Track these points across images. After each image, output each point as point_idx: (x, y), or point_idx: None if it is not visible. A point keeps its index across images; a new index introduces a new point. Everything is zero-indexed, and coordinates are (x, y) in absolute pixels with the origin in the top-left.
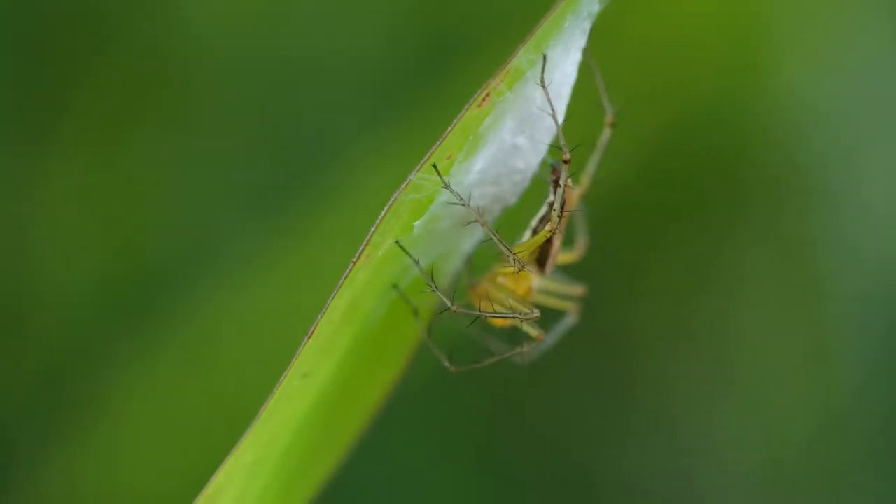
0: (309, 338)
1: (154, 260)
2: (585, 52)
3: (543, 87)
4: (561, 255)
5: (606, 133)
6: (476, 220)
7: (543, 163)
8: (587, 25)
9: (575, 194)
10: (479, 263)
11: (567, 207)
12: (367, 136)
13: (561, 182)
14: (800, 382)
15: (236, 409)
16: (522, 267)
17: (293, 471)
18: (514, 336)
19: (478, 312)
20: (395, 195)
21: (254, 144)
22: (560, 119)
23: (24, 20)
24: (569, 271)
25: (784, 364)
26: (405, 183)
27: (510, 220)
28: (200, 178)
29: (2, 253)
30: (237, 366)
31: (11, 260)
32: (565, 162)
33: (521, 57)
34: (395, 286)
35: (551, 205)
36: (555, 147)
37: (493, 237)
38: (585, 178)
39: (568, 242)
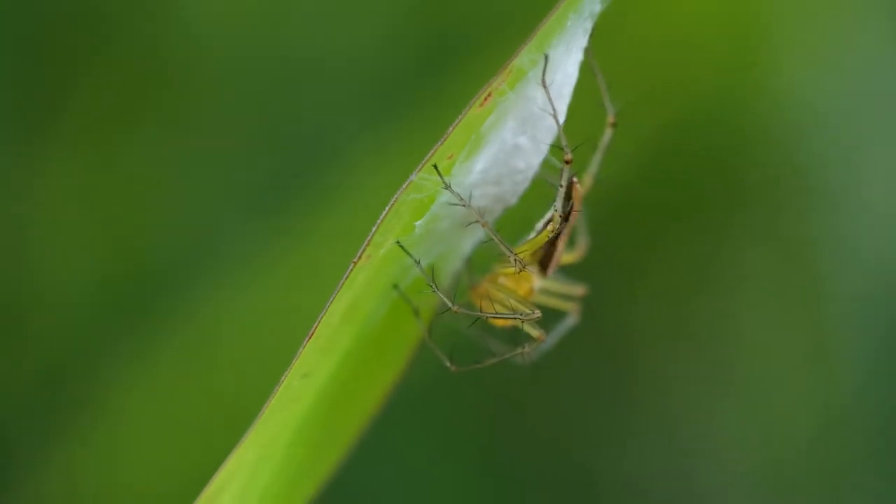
0: (309, 338)
1: (154, 260)
2: (587, 51)
3: (545, 87)
4: (563, 256)
5: (608, 133)
6: (477, 221)
7: (548, 164)
8: (589, 25)
9: (580, 194)
10: (479, 264)
11: (576, 208)
12: (367, 136)
13: (563, 182)
14: (800, 382)
15: (236, 408)
16: (524, 267)
17: (294, 470)
18: (515, 336)
19: (479, 313)
20: (396, 195)
21: (254, 144)
22: (561, 119)
23: (24, 20)
24: (569, 271)
25: (784, 364)
26: (406, 183)
27: (511, 221)
28: (200, 178)
29: (2, 253)
30: (237, 366)
31: (11, 260)
32: (567, 162)
33: (523, 57)
34: (395, 286)
35: (563, 209)
36: (556, 147)
37: (493, 238)
38: (588, 179)
39: (568, 243)
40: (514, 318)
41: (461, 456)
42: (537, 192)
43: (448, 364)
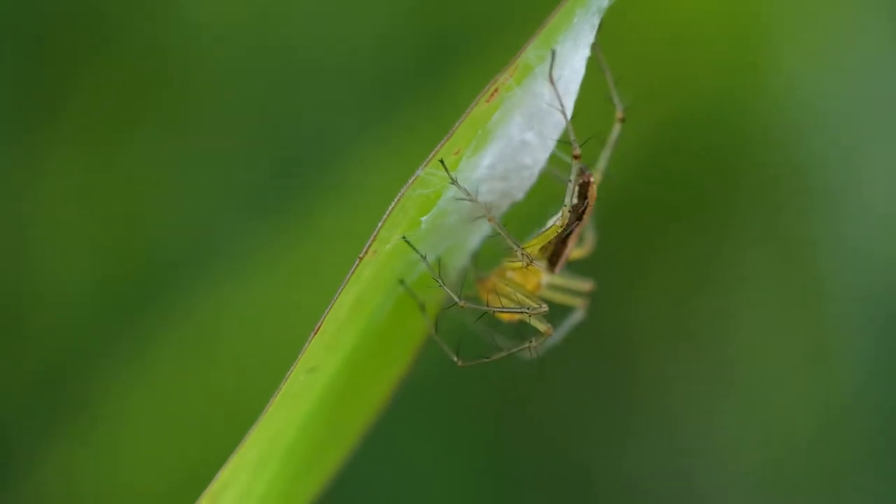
0: (315, 333)
1: (154, 260)
2: (594, 47)
3: (553, 82)
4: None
5: (616, 129)
6: (484, 216)
7: (559, 160)
8: (596, 21)
9: (594, 193)
10: (486, 259)
11: (591, 204)
12: (367, 136)
13: (572, 178)
14: (800, 382)
15: (236, 407)
16: (531, 262)
17: (298, 467)
18: (522, 332)
19: (486, 307)
20: (402, 190)
21: (254, 144)
22: (569, 115)
23: (24, 20)
24: (569, 270)
25: (784, 364)
26: (412, 178)
27: (517, 216)
28: (200, 178)
29: (2, 253)
30: (237, 365)
31: (11, 260)
32: (575, 157)
33: (530, 52)
34: (401, 282)
35: (574, 207)
36: (563, 142)
37: (500, 232)
38: (597, 175)
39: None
40: (522, 312)
41: (465, 453)
42: (544, 187)
43: (455, 359)
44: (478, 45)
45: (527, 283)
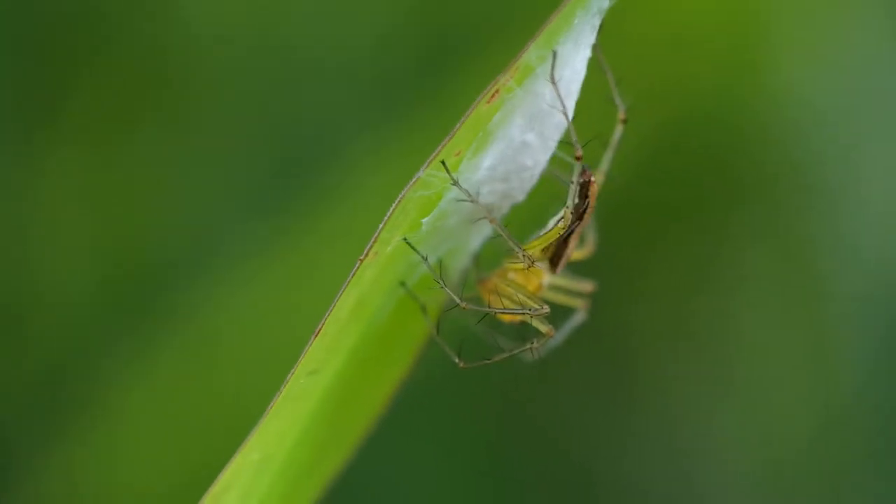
0: (316, 335)
1: (154, 260)
2: (595, 48)
3: (554, 83)
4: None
5: (619, 130)
6: (485, 217)
7: (559, 161)
8: (597, 21)
9: (595, 193)
10: (487, 260)
11: (592, 204)
12: (367, 136)
13: (574, 179)
14: (800, 382)
15: (236, 408)
16: (532, 263)
17: (300, 469)
18: (523, 333)
19: (487, 308)
20: (403, 192)
21: (254, 144)
22: (570, 116)
23: (24, 20)
24: (570, 271)
25: (784, 364)
26: (413, 180)
27: (519, 217)
28: (200, 178)
29: (2, 253)
30: (237, 366)
31: (11, 260)
32: (577, 158)
33: (531, 53)
34: (402, 283)
35: (576, 207)
36: (564, 143)
37: (502, 234)
38: (599, 176)
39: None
40: (523, 313)
41: (467, 454)
42: (545, 188)
43: (456, 360)
44: (478, 45)
45: (528, 284)
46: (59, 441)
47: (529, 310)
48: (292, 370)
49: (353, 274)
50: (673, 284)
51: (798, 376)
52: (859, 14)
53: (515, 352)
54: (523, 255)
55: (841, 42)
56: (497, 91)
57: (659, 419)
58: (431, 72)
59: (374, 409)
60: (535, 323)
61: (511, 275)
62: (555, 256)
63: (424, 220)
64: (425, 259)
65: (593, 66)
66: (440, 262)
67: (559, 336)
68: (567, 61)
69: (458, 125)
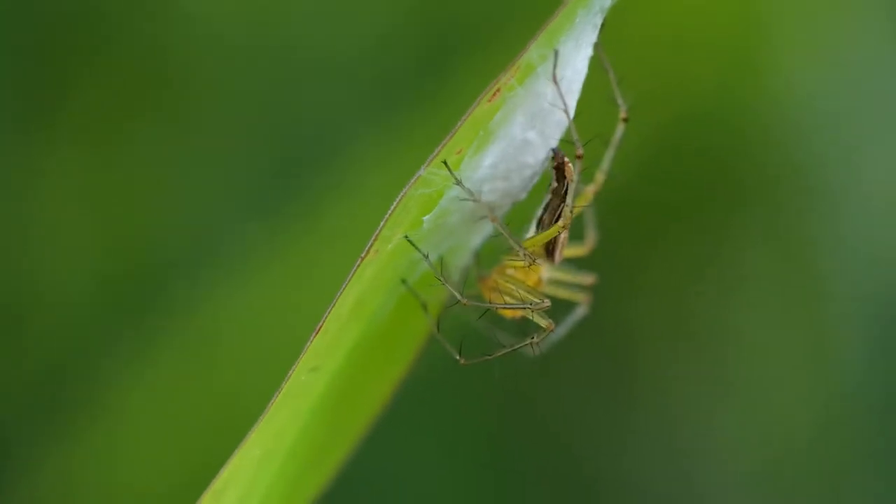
0: (317, 332)
1: (154, 259)
2: (597, 47)
3: (556, 82)
4: (572, 249)
5: (620, 129)
6: (486, 216)
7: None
8: (598, 20)
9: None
10: (487, 257)
11: (570, 181)
12: (367, 136)
13: (575, 178)
14: (800, 382)
15: (236, 408)
16: (533, 261)
17: (301, 466)
18: (524, 329)
19: (488, 304)
20: (404, 190)
21: (254, 144)
22: (571, 115)
23: (24, 20)
24: (570, 266)
25: (784, 364)
26: (415, 178)
27: (520, 216)
28: (200, 178)
29: (2, 253)
30: (237, 366)
31: (11, 260)
32: (578, 157)
33: (533, 52)
34: (403, 281)
35: (555, 191)
36: (566, 142)
37: (503, 232)
38: (599, 175)
39: (578, 237)
40: (524, 308)
41: (468, 449)
42: (546, 187)
43: (457, 357)
44: (478, 45)
45: (528, 279)
46: (58, 441)
47: (530, 304)
48: (293, 367)
49: (355, 271)
50: (673, 284)
51: (798, 376)
52: (860, 16)
53: (516, 347)
54: (524, 254)
55: (842, 44)
56: (498, 90)
57: (659, 418)
58: (431, 71)
59: (374, 407)
60: (536, 318)
61: (510, 271)
62: (549, 247)
63: (426, 218)
64: (426, 256)
65: (595, 64)
66: (441, 260)
67: (561, 329)
68: (568, 60)
69: (459, 123)
